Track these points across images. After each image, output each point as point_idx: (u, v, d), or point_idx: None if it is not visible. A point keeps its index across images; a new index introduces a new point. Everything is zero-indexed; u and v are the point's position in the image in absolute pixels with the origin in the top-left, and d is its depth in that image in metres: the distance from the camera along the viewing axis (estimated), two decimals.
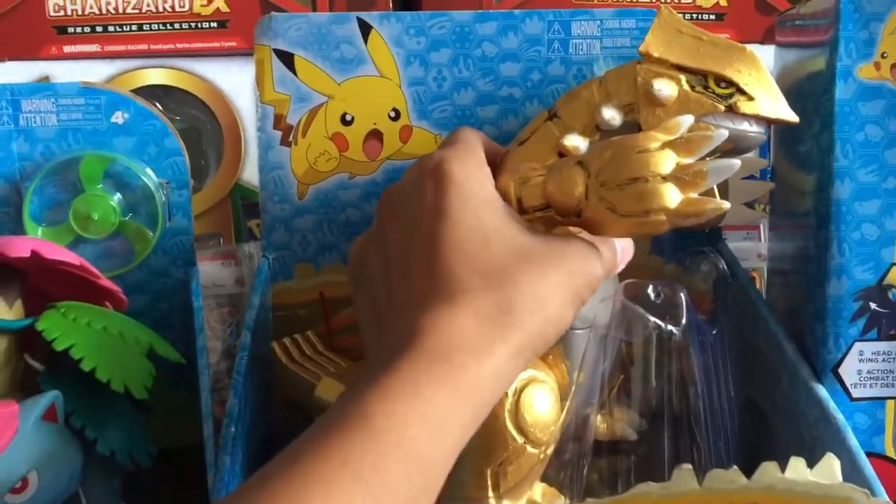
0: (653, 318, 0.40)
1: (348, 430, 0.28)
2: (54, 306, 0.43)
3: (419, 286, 0.33)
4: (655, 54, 0.39)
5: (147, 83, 0.64)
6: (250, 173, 0.65)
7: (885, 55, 0.41)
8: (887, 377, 0.43)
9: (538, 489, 0.38)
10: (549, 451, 0.37)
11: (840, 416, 0.41)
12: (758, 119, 0.37)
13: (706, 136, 0.33)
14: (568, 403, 0.39)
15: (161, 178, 0.50)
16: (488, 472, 0.36)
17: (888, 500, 0.34)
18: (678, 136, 0.33)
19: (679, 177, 0.32)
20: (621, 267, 0.37)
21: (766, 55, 0.60)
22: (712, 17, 0.66)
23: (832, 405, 0.41)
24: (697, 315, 0.42)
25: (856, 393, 0.43)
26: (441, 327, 0.31)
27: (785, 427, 0.45)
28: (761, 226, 0.63)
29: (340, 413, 0.29)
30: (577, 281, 0.33)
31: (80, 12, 0.60)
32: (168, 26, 0.63)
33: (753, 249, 0.62)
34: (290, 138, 0.49)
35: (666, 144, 0.33)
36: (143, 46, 0.63)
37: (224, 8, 0.63)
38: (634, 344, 0.40)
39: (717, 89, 0.37)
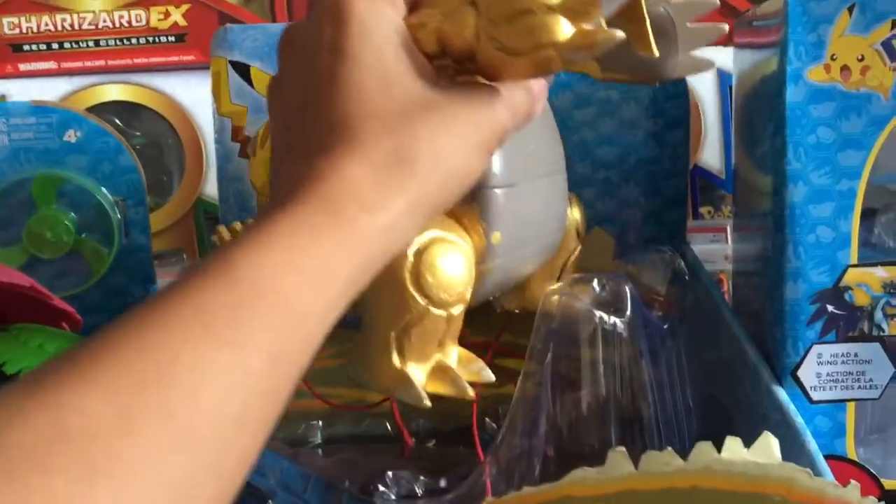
0: (597, 312, 0.39)
1: (209, 280, 0.26)
2: (5, 329, 0.43)
3: (313, 131, 0.30)
4: None
5: (106, 99, 0.63)
6: (213, 188, 0.64)
7: (834, 57, 0.41)
8: (846, 379, 0.43)
9: (453, 353, 0.37)
10: (457, 313, 0.35)
11: (800, 420, 0.41)
12: None
13: None
14: (515, 394, 0.39)
15: (116, 196, 0.50)
16: (392, 335, 0.35)
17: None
18: None
19: (570, 7, 0.29)
20: (537, 110, 0.34)
21: (727, 57, 0.61)
22: None
23: (792, 408, 0.41)
24: (645, 308, 0.42)
25: (815, 395, 0.43)
26: (331, 175, 0.29)
27: (748, 430, 0.45)
28: (728, 228, 0.63)
29: (206, 263, 0.27)
30: (483, 131, 0.31)
31: (35, 30, 0.59)
32: (125, 41, 0.62)
33: (720, 252, 0.62)
34: (249, 150, 0.49)
35: None
36: (101, 62, 0.62)
37: (182, 22, 0.62)
38: (581, 338, 0.39)
39: None
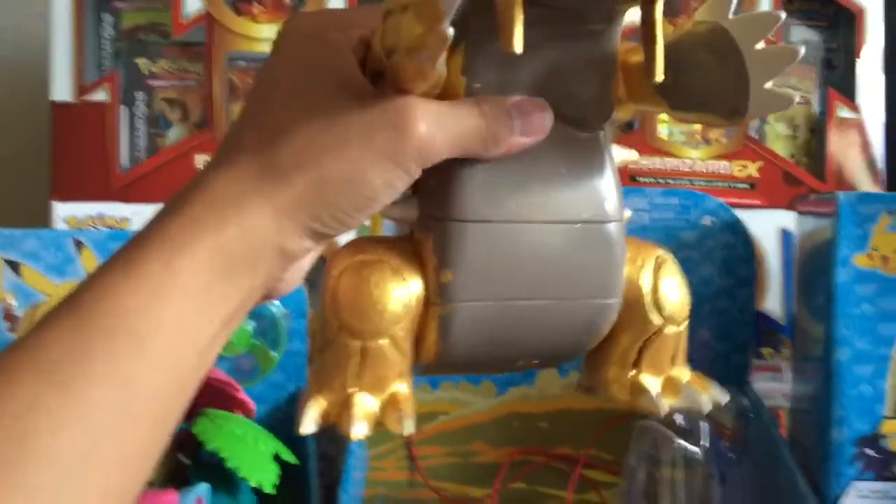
0: (678, 440, 0.49)
1: (56, 314, 0.26)
2: (204, 413, 0.54)
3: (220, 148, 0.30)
4: None
5: None
6: None
7: (876, 248, 0.51)
8: None
9: (377, 393, 0.31)
10: (374, 346, 0.31)
11: None
12: None
13: None
14: None
15: (285, 308, 0.62)
16: (315, 355, 0.32)
17: None
18: None
19: (416, 7, 0.26)
20: (526, 138, 0.30)
21: (790, 220, 0.71)
22: (746, 185, 0.76)
23: None
24: (719, 441, 0.51)
25: None
26: (189, 189, 0.28)
27: None
28: (786, 368, 0.72)
29: (63, 299, 0.27)
30: (380, 140, 0.28)
31: None
32: None
33: (779, 389, 0.70)
34: None
35: None
36: None
37: None
38: (662, 461, 0.48)
39: None
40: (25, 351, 0.26)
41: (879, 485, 0.51)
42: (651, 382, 0.34)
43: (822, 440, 0.53)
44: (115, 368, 0.25)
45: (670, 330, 0.34)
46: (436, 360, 0.32)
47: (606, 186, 0.32)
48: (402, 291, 0.31)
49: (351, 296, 0.30)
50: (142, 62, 0.73)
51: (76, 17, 0.71)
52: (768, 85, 0.29)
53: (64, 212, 0.70)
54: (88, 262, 0.58)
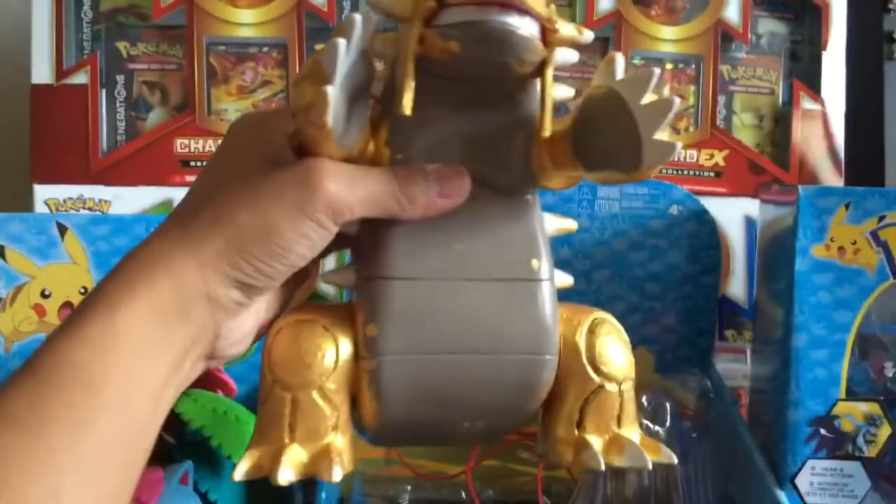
0: (643, 420, 0.52)
1: (20, 371, 0.30)
2: (187, 393, 0.56)
3: None
4: None
5: None
6: None
7: (833, 239, 0.54)
8: (833, 488, 0.54)
9: (306, 444, 0.33)
10: (303, 397, 0.32)
11: None
12: (482, 5, 0.29)
13: (342, 25, 0.29)
14: None
15: None
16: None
17: None
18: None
19: (312, 76, 0.30)
20: (444, 201, 0.32)
21: (755, 207, 0.73)
22: (712, 174, 0.79)
23: None
24: (681, 422, 0.54)
25: (809, 500, 0.55)
26: (127, 255, 0.32)
27: None
28: (747, 350, 0.75)
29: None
30: (287, 196, 0.31)
31: (201, 149, 0.73)
32: None
33: (740, 370, 0.73)
34: None
35: None
36: None
37: None
38: None
39: None
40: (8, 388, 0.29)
41: (833, 462, 0.54)
42: (594, 440, 0.34)
43: (780, 420, 0.56)
44: (71, 415, 0.29)
45: (611, 388, 0.34)
46: (377, 421, 0.34)
47: (532, 247, 0.34)
48: (330, 346, 0.33)
49: (282, 351, 0.33)
50: (122, 45, 0.73)
51: None
52: (658, 136, 0.30)
53: (44, 194, 0.70)
54: (71, 244, 0.59)
